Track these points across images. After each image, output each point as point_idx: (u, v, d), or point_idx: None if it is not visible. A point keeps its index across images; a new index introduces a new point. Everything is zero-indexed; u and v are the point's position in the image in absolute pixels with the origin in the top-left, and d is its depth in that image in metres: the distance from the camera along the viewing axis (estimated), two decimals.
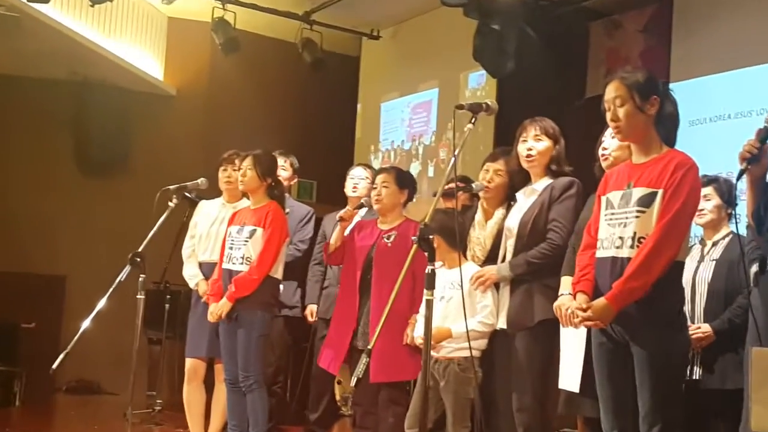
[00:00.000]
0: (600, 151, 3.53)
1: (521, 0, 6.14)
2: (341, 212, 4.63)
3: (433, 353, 3.85)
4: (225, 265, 4.60)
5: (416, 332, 4.09)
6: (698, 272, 3.93)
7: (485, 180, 4.09)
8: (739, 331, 3.70)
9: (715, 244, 3.99)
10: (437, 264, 4.14)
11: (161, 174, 7.12)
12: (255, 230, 4.53)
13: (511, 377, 3.73)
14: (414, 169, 7.68)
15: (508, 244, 3.86)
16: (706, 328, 3.79)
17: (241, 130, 7.94)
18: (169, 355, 6.71)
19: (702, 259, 3.98)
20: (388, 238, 4.40)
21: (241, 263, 4.51)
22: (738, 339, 3.71)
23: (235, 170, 4.90)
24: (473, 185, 4.15)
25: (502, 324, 3.82)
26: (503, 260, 3.89)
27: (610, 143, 3.47)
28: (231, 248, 4.58)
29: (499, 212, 4.09)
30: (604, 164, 3.49)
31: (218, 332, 4.62)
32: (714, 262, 3.92)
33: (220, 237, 4.83)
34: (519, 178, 3.98)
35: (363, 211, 5.10)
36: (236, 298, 4.46)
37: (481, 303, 3.87)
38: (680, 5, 6.10)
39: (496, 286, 3.90)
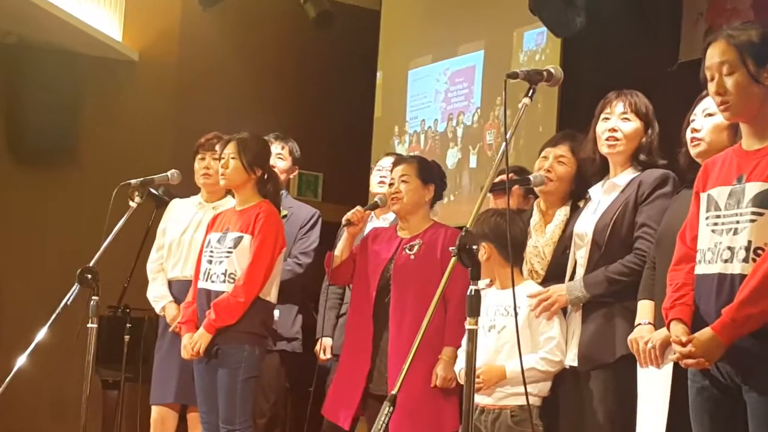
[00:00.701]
0: (689, 134, 3.52)
1: None
2: (348, 214, 4.62)
3: (479, 399, 3.84)
4: (202, 284, 4.61)
5: (457, 366, 4.10)
6: None
7: (544, 170, 4.11)
8: None
9: None
10: (482, 283, 4.14)
11: (120, 164, 7.16)
12: (241, 238, 4.54)
13: (584, 430, 3.73)
14: (452, 157, 7.67)
15: (579, 256, 3.87)
16: None
17: (223, 106, 7.97)
18: (130, 402, 6.71)
19: None
20: (410, 249, 4.41)
21: (223, 281, 4.52)
22: None
23: (215, 159, 4.91)
24: (531, 177, 4.14)
25: (571, 361, 3.83)
26: (572, 277, 3.89)
27: (703, 123, 3.46)
28: (210, 262, 4.60)
29: (562, 213, 4.11)
30: (694, 150, 3.48)
31: (190, 372, 4.63)
32: None
33: (196, 247, 4.85)
34: (593, 169, 3.99)
35: (389, 216, 5.08)
36: (217, 329, 4.46)
37: (546, 334, 3.88)
38: None
39: (564, 311, 3.89)
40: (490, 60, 7.54)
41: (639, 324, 3.48)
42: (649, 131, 3.87)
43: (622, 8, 6.43)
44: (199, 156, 5.11)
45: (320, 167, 8.46)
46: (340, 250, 4.59)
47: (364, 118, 8.53)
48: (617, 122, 3.86)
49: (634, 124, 3.87)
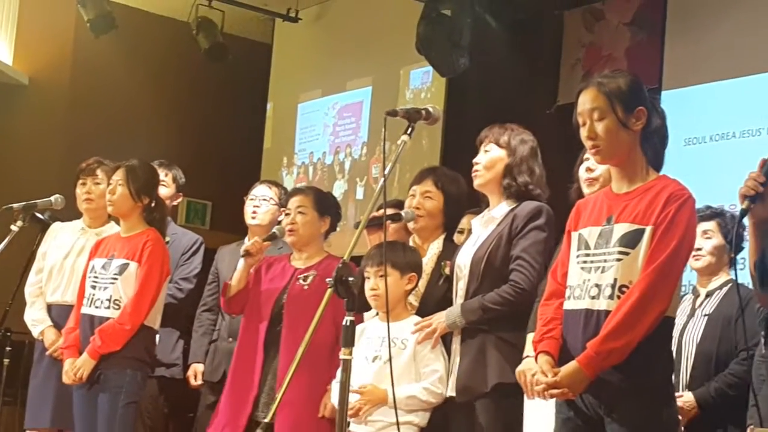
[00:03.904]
0: (583, 173, 3.56)
1: None
2: (247, 244, 4.56)
3: (359, 429, 3.82)
4: (86, 309, 4.51)
5: (333, 398, 4.05)
6: (686, 330, 4.01)
7: (413, 207, 4.12)
8: (730, 405, 3.80)
9: (709, 295, 4.08)
10: (368, 315, 4.13)
11: (5, 188, 6.96)
12: (127, 265, 4.46)
13: None
14: (338, 189, 7.68)
15: (459, 288, 3.87)
16: (689, 397, 3.86)
17: (113, 132, 7.84)
18: (8, 426, 6.52)
19: (692, 313, 4.06)
20: (304, 280, 4.36)
21: (108, 307, 4.43)
22: (728, 415, 3.80)
23: (96, 184, 4.83)
24: (403, 213, 4.16)
25: (451, 391, 3.82)
26: None
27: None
28: (94, 287, 4.50)
29: (434, 246, 4.12)
30: (588, 190, 3.51)
31: (67, 396, 4.52)
32: (706, 317, 4.00)
33: (77, 272, 4.74)
34: (461, 204, 4.06)
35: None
36: (101, 355, 4.37)
37: (429, 367, 3.86)
38: None
39: (446, 343, 3.88)
40: (377, 96, 7.58)
41: (527, 356, 3.46)
42: (512, 157, 3.87)
43: (506, 51, 6.55)
44: (80, 181, 4.99)
45: (209, 196, 8.38)
46: (236, 279, 4.50)
47: (254, 149, 8.50)
48: (480, 156, 3.90)
49: (492, 154, 3.88)
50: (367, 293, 3.94)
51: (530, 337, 3.47)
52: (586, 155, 3.52)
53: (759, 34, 5.69)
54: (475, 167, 3.90)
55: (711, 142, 5.86)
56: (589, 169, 3.52)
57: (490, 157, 3.88)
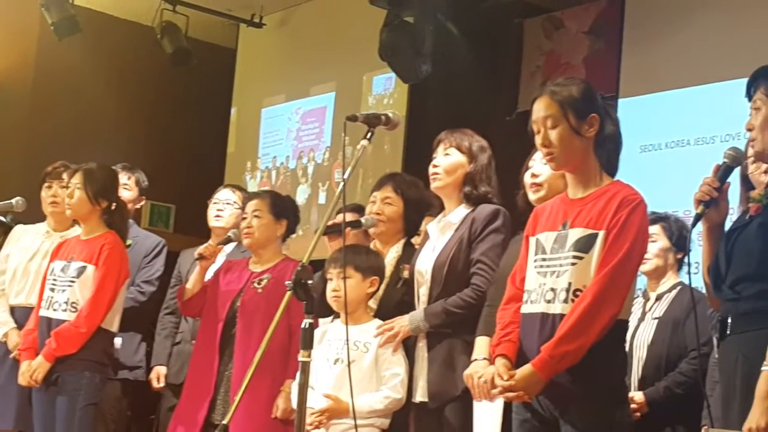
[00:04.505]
0: (528, 179, 3.57)
1: None
2: (201, 248, 4.56)
3: (321, 430, 3.82)
4: (44, 312, 4.49)
5: (293, 400, 4.05)
6: (637, 333, 4.04)
7: (373, 213, 4.14)
8: (680, 404, 3.83)
9: (659, 298, 4.11)
10: (325, 320, 4.13)
11: None
12: (85, 268, 4.44)
13: None
14: (302, 193, 7.67)
15: (421, 293, 3.89)
16: (639, 397, 3.89)
17: (77, 136, 7.79)
18: None
19: (643, 317, 4.09)
20: (258, 283, 4.36)
21: (65, 310, 4.42)
22: (678, 415, 3.85)
23: (63, 188, 4.81)
24: (362, 220, 4.18)
25: (421, 396, 3.82)
26: None
27: (542, 169, 3.50)
28: (53, 290, 4.48)
29: (394, 250, 4.13)
30: (534, 196, 3.52)
31: (31, 399, 4.49)
32: (656, 320, 4.04)
33: (41, 275, 4.70)
34: (421, 208, 4.07)
35: (230, 247, 5.05)
36: (57, 357, 4.35)
37: (391, 370, 3.86)
38: (633, 3, 6.31)
39: (407, 348, 3.89)
40: (340, 101, 7.58)
41: (475, 359, 3.51)
42: (473, 164, 3.89)
43: (467, 58, 6.57)
44: (46, 184, 4.99)
45: (172, 199, 8.34)
46: (191, 283, 4.52)
47: (218, 153, 8.47)
48: (440, 158, 3.90)
49: (453, 158, 3.88)
50: (329, 295, 3.94)
51: (479, 341, 3.53)
52: (531, 161, 3.55)
53: (714, 45, 5.75)
54: (435, 169, 3.89)
55: (666, 149, 5.92)
56: (533, 175, 3.53)
57: (450, 162, 3.88)
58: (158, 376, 5.36)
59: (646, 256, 4.04)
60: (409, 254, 4.09)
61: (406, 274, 4.00)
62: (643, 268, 4.08)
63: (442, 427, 3.74)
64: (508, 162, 4.05)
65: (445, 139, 3.93)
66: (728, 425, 2.65)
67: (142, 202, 5.85)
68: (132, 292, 5.06)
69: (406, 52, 6.35)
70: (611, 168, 3.10)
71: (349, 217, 4.23)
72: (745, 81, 2.81)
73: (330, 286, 3.94)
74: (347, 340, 3.63)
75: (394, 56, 6.42)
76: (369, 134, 3.18)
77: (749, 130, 2.77)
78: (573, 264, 2.94)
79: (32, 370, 4.37)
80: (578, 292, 2.90)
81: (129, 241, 4.76)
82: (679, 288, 4.05)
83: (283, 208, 4.49)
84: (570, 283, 2.93)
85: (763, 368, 2.51)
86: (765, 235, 2.65)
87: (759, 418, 2.48)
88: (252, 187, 7.87)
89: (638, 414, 3.86)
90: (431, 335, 3.81)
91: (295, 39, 8.03)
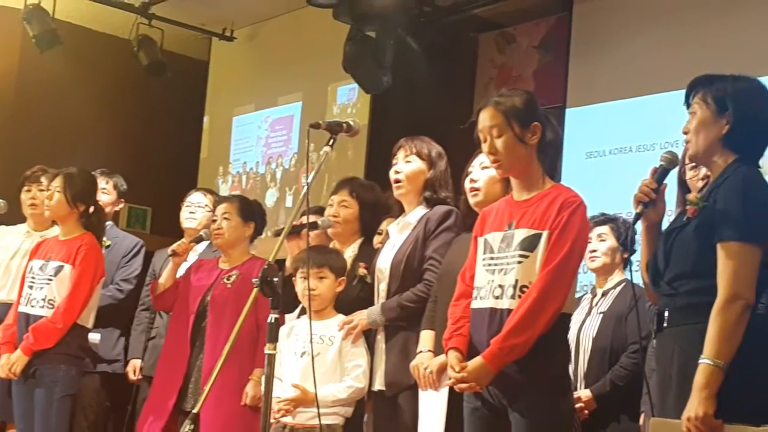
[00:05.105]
0: (468, 184, 3.58)
1: (401, 4, 6.23)
2: (174, 245, 4.55)
3: (288, 419, 3.81)
4: (22, 308, 4.47)
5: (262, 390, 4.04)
6: (584, 326, 4.07)
7: (331, 215, 4.16)
8: (622, 396, 3.85)
9: (605, 294, 4.14)
10: (290, 316, 4.13)
11: None
12: (62, 267, 4.42)
13: None
14: (270, 197, 7.64)
15: (381, 288, 3.90)
16: (586, 395, 3.91)
17: (58, 142, 7.68)
18: None
19: (590, 311, 4.11)
20: (228, 279, 4.36)
21: (42, 306, 4.39)
22: (621, 406, 3.86)
23: (41, 190, 4.79)
24: (320, 222, 4.19)
25: (380, 385, 3.83)
26: None
27: (479, 175, 3.53)
28: (31, 287, 4.46)
29: (350, 250, 4.15)
30: (472, 200, 3.54)
31: (10, 391, 4.45)
32: (601, 315, 4.06)
33: (21, 273, 4.65)
34: (377, 210, 4.11)
35: (202, 246, 5.03)
36: (34, 351, 4.31)
37: (353, 362, 3.87)
38: (580, 21, 6.34)
39: (368, 339, 3.90)
40: (307, 110, 7.56)
41: (420, 351, 3.53)
42: (433, 170, 3.90)
43: (426, 70, 6.57)
44: (25, 188, 4.97)
45: (149, 202, 8.27)
46: (164, 278, 4.52)
47: (191, 158, 8.42)
48: (401, 165, 3.90)
49: (415, 165, 3.89)
50: (303, 293, 3.92)
51: (423, 334, 3.56)
52: (470, 168, 3.57)
53: (654, 59, 5.80)
54: (398, 176, 3.89)
55: (610, 156, 5.96)
56: (472, 180, 3.56)
57: (412, 169, 3.89)
58: (134, 369, 5.34)
59: (595, 254, 4.09)
60: (364, 253, 4.10)
61: (361, 272, 4.00)
62: (592, 265, 4.13)
63: (396, 414, 3.76)
64: (463, 167, 4.06)
65: (405, 146, 3.93)
66: (664, 413, 2.66)
67: (121, 205, 5.81)
68: (111, 290, 5.06)
69: (368, 64, 6.34)
70: (552, 172, 3.13)
71: (313, 219, 4.23)
72: (682, 92, 2.82)
73: (303, 284, 3.91)
74: (311, 334, 3.62)
75: (357, 68, 6.41)
76: (331, 141, 3.17)
77: (685, 133, 2.79)
78: (519, 262, 2.96)
79: (11, 363, 4.33)
80: (524, 288, 2.92)
81: (108, 242, 4.76)
82: (623, 284, 4.08)
83: (251, 212, 4.50)
84: (517, 280, 2.95)
85: (700, 361, 2.51)
86: (700, 237, 2.65)
87: (697, 407, 2.49)
88: (224, 190, 7.84)
89: (586, 411, 3.88)
90: (388, 328, 3.83)
91: (264, 52, 8.00)
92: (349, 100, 7.24)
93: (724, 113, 2.69)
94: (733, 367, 2.50)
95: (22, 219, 5.09)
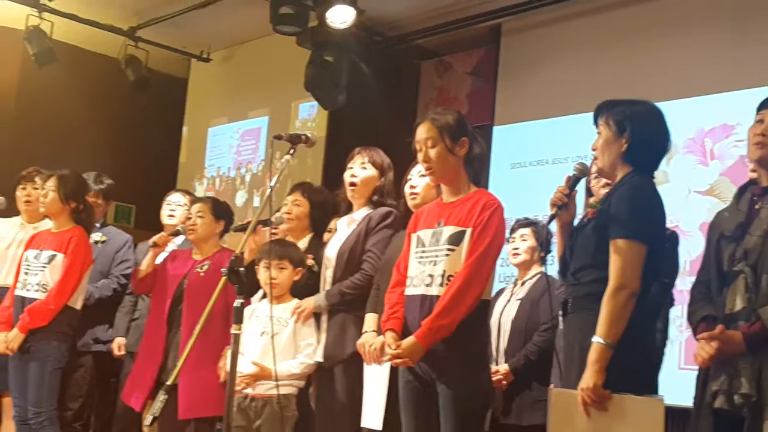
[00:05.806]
0: (407, 189, 3.61)
1: (355, 34, 6.25)
2: (154, 237, 4.54)
3: (249, 390, 3.83)
4: (18, 292, 4.42)
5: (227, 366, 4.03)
6: (504, 311, 4.11)
7: (285, 213, 4.18)
8: (534, 368, 3.91)
9: (523, 284, 4.19)
10: (257, 296, 4.13)
11: None
12: (55, 256, 4.38)
13: (334, 413, 3.74)
14: (240, 198, 7.61)
15: (327, 275, 3.90)
16: (504, 368, 3.96)
17: (53, 147, 7.59)
18: None
19: (510, 298, 4.16)
20: (201, 268, 4.35)
21: (37, 290, 4.35)
22: (533, 376, 3.91)
23: (35, 188, 4.75)
24: (273, 218, 4.18)
25: (320, 358, 3.85)
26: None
27: (418, 181, 3.55)
28: (26, 273, 4.41)
29: (301, 243, 4.16)
30: (411, 202, 3.57)
31: (7, 364, 4.41)
32: (519, 301, 4.11)
33: (17, 260, 4.62)
34: (326, 209, 4.12)
35: (180, 239, 5.01)
36: (29, 329, 4.28)
37: (306, 341, 3.88)
38: (506, 52, 6.39)
39: (318, 318, 3.91)
40: (273, 124, 7.54)
41: (365, 332, 3.55)
42: (383, 178, 3.91)
43: (376, 91, 6.60)
44: (21, 186, 4.92)
45: (133, 200, 8.20)
46: (145, 265, 4.48)
47: (172, 163, 8.35)
48: (357, 170, 3.90)
49: (369, 172, 3.90)
50: (266, 280, 3.92)
51: (367, 317, 3.58)
52: (410, 176, 3.60)
53: (568, 85, 5.85)
54: (354, 179, 3.87)
55: (530, 167, 6.00)
56: (412, 186, 3.59)
57: (367, 175, 3.89)
58: (119, 346, 5.29)
59: (518, 251, 4.14)
60: (314, 247, 4.11)
61: (309, 262, 4.02)
62: (514, 261, 4.18)
63: (332, 383, 3.78)
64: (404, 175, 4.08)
65: (362, 153, 3.92)
66: (568, 385, 2.70)
67: (109, 206, 5.76)
68: (113, 282, 5.08)
69: (327, 85, 6.35)
70: (477, 180, 3.17)
71: (266, 217, 4.24)
72: (592, 114, 2.88)
73: (266, 274, 3.91)
74: (271, 317, 3.63)
75: (316, 88, 6.42)
76: (292, 150, 3.19)
77: (594, 150, 2.85)
78: (447, 255, 2.99)
79: (8, 340, 4.30)
80: (451, 278, 2.96)
81: (104, 237, 4.73)
82: (539, 276, 4.13)
83: (222, 211, 4.49)
84: (444, 270, 2.98)
85: (593, 340, 2.56)
86: (597, 235, 2.69)
87: (589, 379, 2.55)
88: (200, 191, 7.80)
89: (504, 382, 3.93)
90: (331, 311, 3.85)
91: (237, 72, 7.97)
92: (309, 115, 7.24)
93: (623, 133, 2.74)
94: (619, 346, 2.55)
95: (15, 212, 5.03)
